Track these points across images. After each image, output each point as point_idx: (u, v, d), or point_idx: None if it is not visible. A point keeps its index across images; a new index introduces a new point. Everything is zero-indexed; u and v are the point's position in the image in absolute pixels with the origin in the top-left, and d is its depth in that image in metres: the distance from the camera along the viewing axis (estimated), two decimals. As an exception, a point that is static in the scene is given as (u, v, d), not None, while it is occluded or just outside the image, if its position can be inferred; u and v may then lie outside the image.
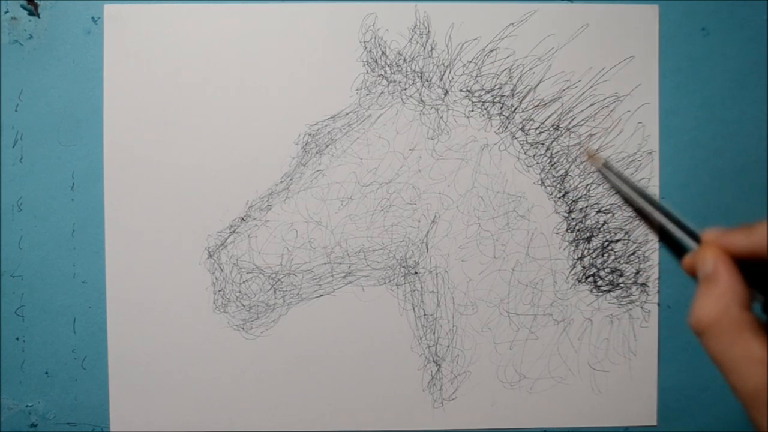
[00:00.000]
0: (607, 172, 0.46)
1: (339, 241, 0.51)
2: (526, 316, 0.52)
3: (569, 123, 0.52)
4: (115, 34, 0.51)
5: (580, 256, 0.52)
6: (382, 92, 0.51)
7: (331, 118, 0.51)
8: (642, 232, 0.52)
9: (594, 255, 0.52)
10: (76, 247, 0.51)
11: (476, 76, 0.51)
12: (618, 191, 0.46)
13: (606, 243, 0.52)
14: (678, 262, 0.37)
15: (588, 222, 0.52)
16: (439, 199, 0.52)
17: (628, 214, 0.52)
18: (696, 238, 0.38)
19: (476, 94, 0.52)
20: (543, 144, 0.52)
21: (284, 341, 0.52)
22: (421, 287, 0.52)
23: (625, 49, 0.52)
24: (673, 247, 0.49)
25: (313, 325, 0.52)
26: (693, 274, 0.36)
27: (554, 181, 0.52)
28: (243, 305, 0.51)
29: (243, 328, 0.52)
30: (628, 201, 0.48)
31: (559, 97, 0.51)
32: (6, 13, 0.51)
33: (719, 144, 0.52)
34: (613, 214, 0.52)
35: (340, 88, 0.51)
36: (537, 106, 0.52)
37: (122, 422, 0.52)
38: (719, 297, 0.32)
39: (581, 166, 0.52)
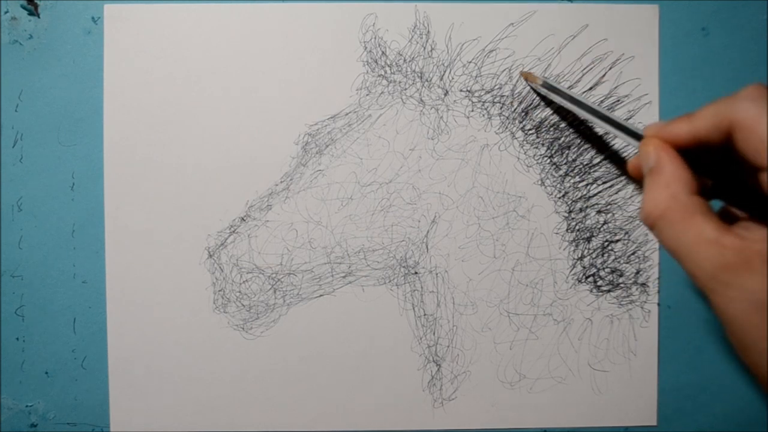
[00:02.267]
0: (546, 90, 0.46)
1: (339, 241, 0.51)
2: (526, 316, 0.52)
3: (569, 123, 0.52)
4: (115, 34, 0.51)
5: (580, 256, 0.52)
6: (382, 92, 0.52)
7: (331, 118, 0.51)
8: (642, 232, 0.52)
9: (594, 255, 0.52)
10: (76, 247, 0.51)
11: (476, 76, 0.51)
12: (561, 106, 0.46)
13: (606, 243, 0.52)
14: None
15: (588, 222, 0.52)
16: (439, 199, 0.52)
17: (628, 214, 0.52)
18: (639, 137, 0.37)
19: (476, 94, 0.52)
20: (543, 144, 0.52)
21: (284, 341, 0.52)
22: (421, 287, 0.52)
23: (625, 49, 0.52)
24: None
25: (313, 325, 0.52)
26: (639, 176, 0.35)
27: (554, 181, 0.52)
28: (243, 305, 0.51)
29: (243, 328, 0.52)
30: (573, 114, 0.48)
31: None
32: (6, 13, 0.51)
33: (719, 144, 0.52)
34: (613, 214, 0.52)
35: (340, 88, 0.51)
36: (537, 106, 0.52)
37: (122, 422, 0.52)
38: (665, 186, 0.32)
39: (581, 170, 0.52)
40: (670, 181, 0.32)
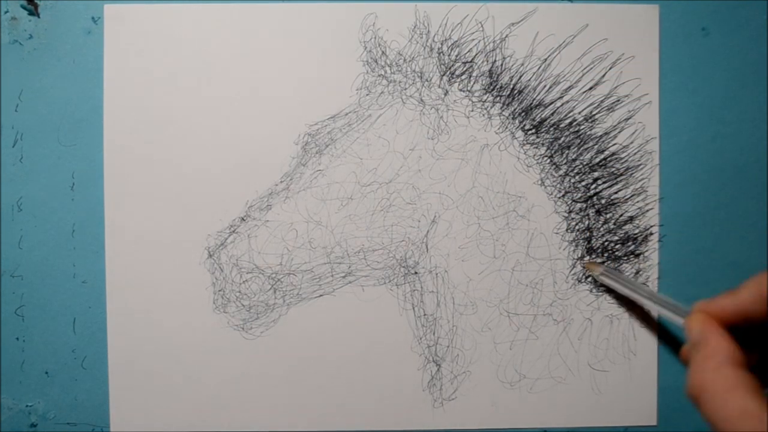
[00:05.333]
0: (605, 278, 0.49)
1: (339, 241, 0.51)
2: (526, 316, 0.52)
3: (569, 123, 0.52)
4: (115, 34, 0.51)
5: (580, 256, 0.52)
6: (382, 92, 0.52)
7: (331, 118, 0.51)
8: (642, 231, 0.52)
9: (594, 255, 0.52)
10: (76, 247, 0.51)
11: (476, 76, 0.51)
12: (619, 291, 0.50)
13: (606, 243, 0.52)
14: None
15: (588, 222, 0.52)
16: (439, 199, 0.52)
17: (629, 214, 0.52)
18: (687, 313, 0.38)
19: (476, 94, 0.52)
20: (543, 144, 0.52)
21: (284, 341, 0.52)
22: (421, 287, 0.52)
23: (625, 49, 0.52)
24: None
25: (313, 325, 0.52)
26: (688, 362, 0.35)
27: (554, 181, 0.52)
28: (243, 305, 0.51)
29: (243, 328, 0.52)
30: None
31: (560, 97, 0.51)
32: (6, 13, 0.51)
33: (719, 144, 0.52)
34: (613, 214, 0.52)
35: (340, 88, 0.51)
36: (537, 106, 0.52)
37: (122, 422, 0.52)
38: (709, 358, 0.32)
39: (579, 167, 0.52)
40: (714, 354, 0.32)
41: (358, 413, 0.52)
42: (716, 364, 0.31)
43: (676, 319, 0.41)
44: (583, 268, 0.51)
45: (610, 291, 0.52)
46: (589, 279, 0.52)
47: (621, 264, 0.52)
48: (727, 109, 0.52)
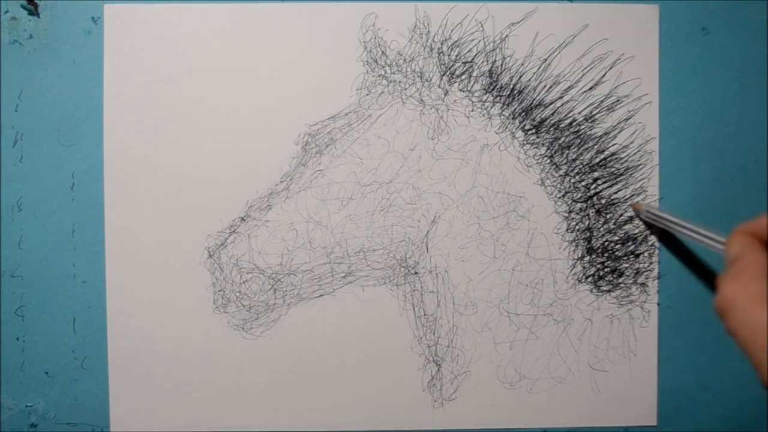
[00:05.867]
0: (648, 214, 0.49)
1: (339, 241, 0.51)
2: (526, 316, 0.52)
3: (569, 123, 0.52)
4: (115, 34, 0.51)
5: (580, 256, 0.52)
6: (382, 92, 0.51)
7: (331, 118, 0.51)
8: (641, 231, 0.52)
9: (594, 255, 0.52)
10: (76, 247, 0.51)
11: (476, 76, 0.51)
12: (662, 225, 0.50)
13: (606, 243, 0.52)
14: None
15: (588, 222, 0.52)
16: (439, 199, 0.52)
17: (629, 214, 0.52)
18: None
19: (476, 94, 0.52)
20: (543, 144, 0.52)
21: (284, 341, 0.52)
22: (421, 287, 0.52)
23: (625, 49, 0.52)
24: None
25: (313, 325, 0.52)
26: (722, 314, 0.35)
27: (554, 181, 0.52)
28: (243, 305, 0.51)
29: (243, 328, 0.52)
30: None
31: (560, 97, 0.51)
32: (6, 13, 0.51)
33: (719, 144, 0.52)
34: (613, 214, 0.52)
35: (340, 88, 0.51)
36: (537, 106, 0.52)
37: (122, 422, 0.52)
38: (741, 272, 0.32)
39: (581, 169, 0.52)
40: (749, 267, 0.32)
41: (358, 413, 0.52)
42: (750, 276, 0.31)
43: (717, 246, 0.40)
44: (631, 207, 0.52)
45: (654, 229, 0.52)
46: (589, 279, 0.52)
47: (621, 264, 0.52)
48: (727, 109, 0.52)
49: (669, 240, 0.53)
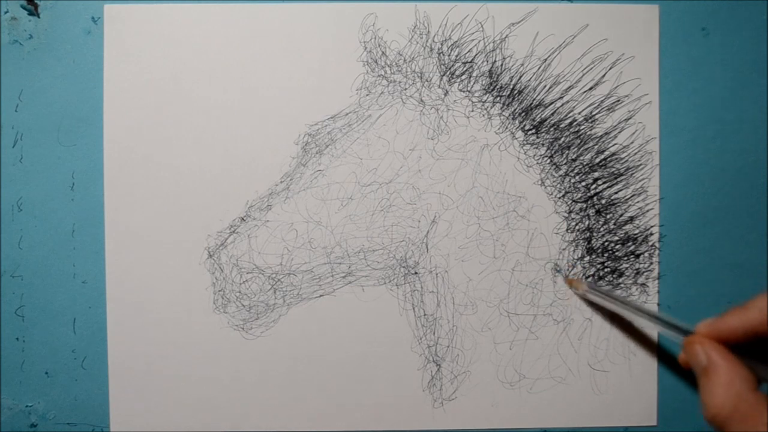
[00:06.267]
0: (591, 293, 0.48)
1: (339, 241, 0.51)
2: (526, 316, 0.52)
3: (569, 123, 0.52)
4: (115, 34, 0.51)
5: (580, 256, 0.52)
6: (382, 92, 0.51)
7: (331, 118, 0.51)
8: (641, 232, 0.52)
9: (594, 255, 0.52)
10: (76, 247, 0.51)
11: (476, 76, 0.51)
12: (605, 307, 0.49)
13: (606, 243, 0.52)
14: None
15: (588, 222, 0.52)
16: (439, 199, 0.52)
17: (629, 214, 0.52)
18: (687, 332, 0.38)
19: (476, 95, 0.52)
20: (543, 144, 0.52)
21: (284, 341, 0.52)
22: (421, 287, 0.52)
23: (625, 49, 0.52)
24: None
25: (313, 325, 0.52)
26: (689, 368, 0.35)
27: (554, 181, 0.52)
28: (243, 305, 0.51)
29: (243, 328, 0.52)
30: (617, 314, 0.50)
31: (560, 97, 0.51)
32: (6, 13, 0.51)
33: (719, 144, 0.52)
34: (613, 214, 0.52)
35: (340, 88, 0.51)
36: (537, 106, 0.52)
37: (122, 422, 0.52)
38: (728, 385, 0.32)
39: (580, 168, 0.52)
40: (732, 380, 0.32)
41: (358, 413, 0.52)
42: (737, 391, 0.32)
43: (675, 338, 0.40)
44: (566, 283, 0.51)
45: (600, 308, 0.51)
46: (589, 279, 0.52)
47: (621, 264, 0.52)
48: (727, 109, 0.52)
49: (669, 240, 0.53)
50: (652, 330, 0.44)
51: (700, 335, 0.35)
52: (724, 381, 0.32)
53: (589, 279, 0.51)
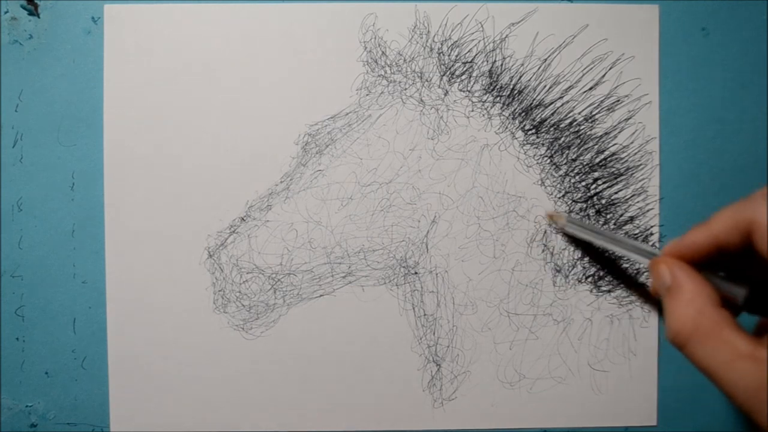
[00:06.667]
0: (569, 227, 0.49)
1: (339, 241, 0.51)
2: (526, 316, 0.52)
3: (569, 123, 0.52)
4: (115, 34, 0.51)
5: (580, 256, 0.52)
6: (382, 92, 0.52)
7: (331, 118, 0.51)
8: (641, 232, 0.52)
9: (594, 255, 0.52)
10: (76, 247, 0.51)
11: (476, 77, 0.51)
12: (585, 241, 0.49)
13: (606, 243, 0.52)
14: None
15: (587, 222, 0.52)
16: (439, 199, 0.52)
17: (629, 214, 0.52)
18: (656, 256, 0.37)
19: (476, 95, 0.52)
20: (543, 144, 0.52)
21: (284, 341, 0.52)
22: (421, 287, 0.52)
23: (625, 49, 0.52)
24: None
25: (313, 325, 0.52)
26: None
27: (554, 181, 0.52)
28: (243, 305, 0.51)
29: (243, 328, 0.52)
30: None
31: (560, 97, 0.51)
32: (6, 13, 0.51)
33: (719, 144, 0.52)
34: (613, 214, 0.52)
35: (340, 88, 0.51)
36: (537, 106, 0.52)
37: (122, 422, 0.52)
38: (690, 302, 0.31)
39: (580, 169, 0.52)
40: (693, 297, 0.31)
41: (358, 413, 0.52)
42: (698, 307, 0.31)
43: (642, 262, 0.40)
44: (547, 218, 0.50)
45: (580, 244, 0.51)
46: (589, 279, 0.52)
47: (621, 264, 0.52)
48: (727, 109, 0.52)
49: (670, 239, 0.52)
50: (625, 253, 0.43)
51: (666, 255, 0.34)
52: (687, 298, 0.31)
53: (572, 214, 0.51)
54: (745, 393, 0.28)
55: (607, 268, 0.51)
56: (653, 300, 0.42)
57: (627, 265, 0.52)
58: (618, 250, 0.44)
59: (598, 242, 0.47)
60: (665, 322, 0.33)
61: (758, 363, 0.28)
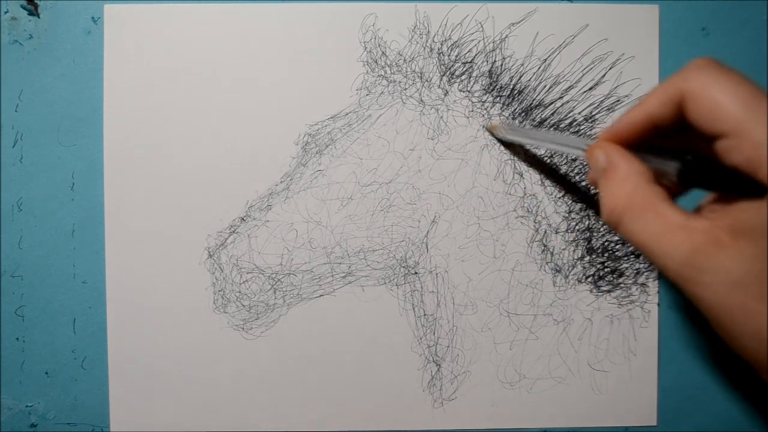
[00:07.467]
0: (511, 134, 0.48)
1: (339, 241, 0.51)
2: (526, 316, 0.52)
3: (569, 123, 0.52)
4: (115, 34, 0.51)
5: (580, 256, 0.52)
6: (382, 92, 0.52)
7: (331, 118, 0.51)
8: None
9: (594, 255, 0.52)
10: (76, 247, 0.51)
11: (476, 77, 0.51)
12: (525, 144, 0.48)
13: (606, 243, 0.52)
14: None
15: (588, 222, 0.52)
16: (439, 199, 0.52)
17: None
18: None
19: (476, 95, 0.52)
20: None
21: (284, 341, 0.52)
22: (421, 287, 0.52)
23: (625, 49, 0.52)
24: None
25: (313, 325, 0.52)
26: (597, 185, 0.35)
27: (554, 181, 0.52)
28: (243, 305, 0.51)
29: (243, 328, 0.52)
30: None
31: (560, 97, 0.51)
32: (6, 13, 0.51)
33: (719, 144, 0.52)
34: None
35: (340, 88, 0.51)
36: (537, 106, 0.52)
37: (122, 422, 0.52)
38: (624, 180, 0.31)
39: (581, 170, 0.52)
40: (627, 175, 0.31)
41: (358, 413, 0.52)
42: (632, 184, 0.31)
43: (578, 153, 0.40)
44: (486, 130, 0.50)
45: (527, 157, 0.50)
46: (589, 279, 0.52)
47: (621, 264, 0.52)
48: (727, 109, 0.52)
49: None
50: (565, 150, 0.43)
51: (601, 140, 0.34)
52: (621, 176, 0.32)
53: (510, 121, 0.51)
54: (677, 263, 0.28)
55: (552, 175, 0.51)
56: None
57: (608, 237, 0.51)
58: (558, 148, 0.43)
59: (538, 143, 0.46)
60: (600, 203, 0.33)
61: (691, 232, 0.28)
